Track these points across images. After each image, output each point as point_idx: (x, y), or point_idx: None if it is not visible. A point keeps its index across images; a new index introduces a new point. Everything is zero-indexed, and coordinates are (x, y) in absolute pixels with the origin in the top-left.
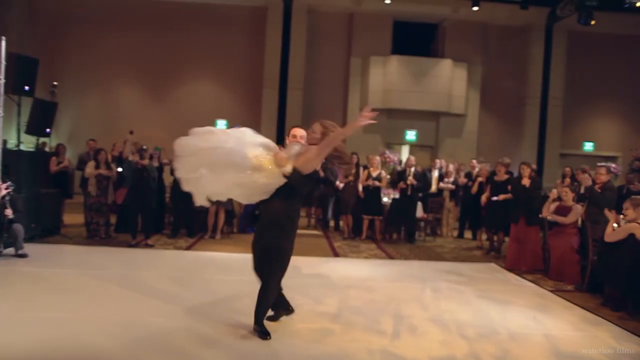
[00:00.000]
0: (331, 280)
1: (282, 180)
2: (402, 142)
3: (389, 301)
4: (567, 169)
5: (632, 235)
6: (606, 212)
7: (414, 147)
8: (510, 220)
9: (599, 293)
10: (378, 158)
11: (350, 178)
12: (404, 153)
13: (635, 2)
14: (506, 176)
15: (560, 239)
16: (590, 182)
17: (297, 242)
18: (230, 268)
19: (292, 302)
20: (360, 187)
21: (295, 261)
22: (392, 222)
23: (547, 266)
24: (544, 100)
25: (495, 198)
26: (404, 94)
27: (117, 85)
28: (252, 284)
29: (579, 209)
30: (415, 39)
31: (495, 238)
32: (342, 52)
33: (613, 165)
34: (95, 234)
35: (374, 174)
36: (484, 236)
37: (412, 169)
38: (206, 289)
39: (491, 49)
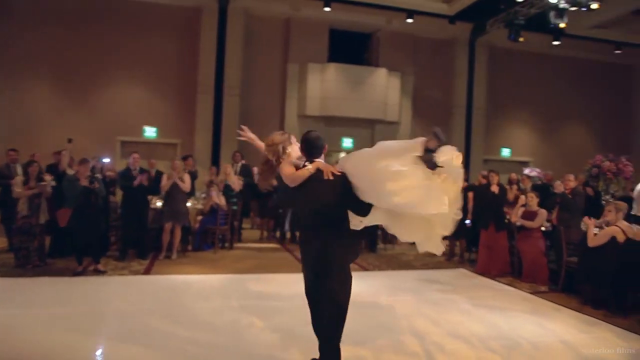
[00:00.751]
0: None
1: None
2: (339, 149)
3: (398, 318)
4: (514, 175)
5: (613, 239)
6: (586, 219)
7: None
8: (474, 227)
9: (573, 293)
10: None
11: None
12: None
13: (559, 24)
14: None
15: (529, 243)
16: (562, 188)
17: (259, 257)
18: (207, 292)
19: (296, 330)
20: None
21: (271, 280)
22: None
23: (516, 269)
24: (469, 109)
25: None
26: (341, 101)
27: (32, 87)
28: (242, 309)
29: (544, 214)
30: (350, 48)
31: (457, 244)
32: (279, 58)
33: (537, 169)
34: (26, 262)
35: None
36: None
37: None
38: (200, 321)
39: (422, 60)
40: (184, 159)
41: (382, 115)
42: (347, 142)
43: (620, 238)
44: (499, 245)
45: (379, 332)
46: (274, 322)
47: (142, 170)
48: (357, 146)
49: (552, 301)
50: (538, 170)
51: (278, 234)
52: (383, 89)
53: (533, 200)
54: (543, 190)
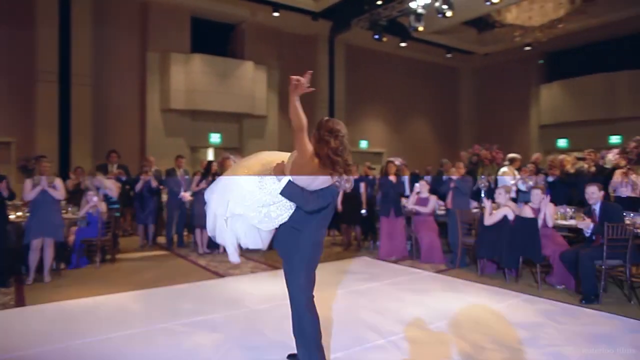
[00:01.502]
0: (278, 305)
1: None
2: (207, 144)
3: (342, 313)
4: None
5: (505, 217)
6: (485, 201)
7: (219, 150)
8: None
9: (467, 268)
10: (232, 161)
11: (203, 185)
12: (209, 156)
13: (417, 27)
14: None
15: (425, 227)
16: (459, 174)
17: (156, 266)
18: (119, 316)
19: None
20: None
21: (191, 291)
22: None
23: (414, 252)
24: (331, 104)
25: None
26: (208, 94)
27: None
28: (183, 330)
29: (434, 199)
30: (214, 38)
31: (353, 233)
32: (137, 45)
33: (400, 159)
34: None
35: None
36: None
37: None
38: (137, 355)
39: (287, 54)
40: (36, 159)
41: (250, 110)
42: (215, 138)
43: (511, 216)
44: (398, 231)
45: (334, 329)
46: (232, 335)
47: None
48: (225, 142)
49: (456, 277)
50: (400, 159)
51: (163, 239)
52: (250, 82)
53: (424, 187)
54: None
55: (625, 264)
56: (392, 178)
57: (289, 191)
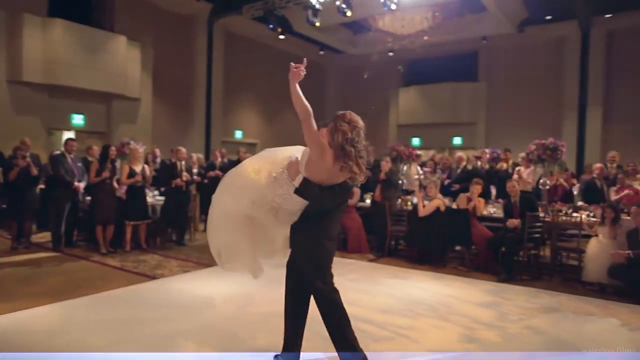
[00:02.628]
0: (235, 304)
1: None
2: (68, 127)
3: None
4: None
5: (437, 209)
6: (417, 193)
7: (82, 134)
8: None
9: (395, 256)
10: (141, 149)
11: (105, 174)
12: None
13: (314, 22)
14: None
15: (351, 218)
16: (387, 169)
17: (50, 273)
18: (58, 339)
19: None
20: (122, 188)
21: (121, 299)
22: (169, 224)
23: (339, 244)
24: (209, 90)
25: None
26: (71, 68)
27: None
28: None
29: (359, 192)
30: (76, 3)
31: None
32: None
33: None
34: None
35: (137, 169)
36: None
37: (184, 162)
38: None
39: (163, 33)
40: None
41: (122, 90)
42: (78, 119)
43: (442, 207)
44: None
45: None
46: (211, 344)
47: None
48: (90, 125)
49: (389, 265)
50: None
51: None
52: (122, 59)
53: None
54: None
55: (537, 247)
56: None
57: (305, 190)
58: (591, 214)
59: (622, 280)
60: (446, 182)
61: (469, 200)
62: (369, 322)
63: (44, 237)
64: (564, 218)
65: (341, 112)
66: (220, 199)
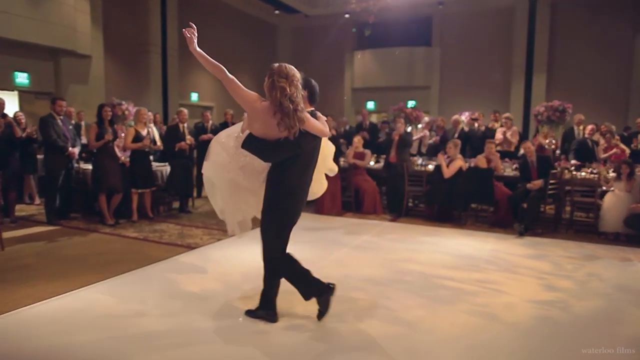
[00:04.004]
0: None
1: None
2: (11, 87)
3: (417, 264)
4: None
5: (460, 168)
6: (440, 156)
7: (28, 94)
8: None
9: (413, 216)
10: (147, 111)
11: (108, 137)
12: (14, 102)
13: None
14: None
15: (365, 181)
16: (402, 130)
17: (71, 247)
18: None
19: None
20: (125, 154)
21: (175, 271)
22: (177, 192)
23: (354, 205)
24: (164, 50)
25: None
26: (14, 18)
27: None
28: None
29: (369, 153)
30: None
31: None
32: None
33: None
34: None
35: (143, 132)
36: None
37: (185, 125)
38: None
39: None
40: None
41: (71, 46)
42: (22, 78)
43: (464, 167)
44: (337, 187)
45: (408, 287)
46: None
47: None
48: (35, 84)
49: (413, 224)
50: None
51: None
52: (71, 10)
53: (360, 142)
54: None
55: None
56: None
57: (248, 144)
58: (594, 171)
59: (638, 229)
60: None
61: (489, 160)
62: (450, 279)
63: (25, 210)
64: (583, 175)
65: (276, 65)
66: (206, 168)
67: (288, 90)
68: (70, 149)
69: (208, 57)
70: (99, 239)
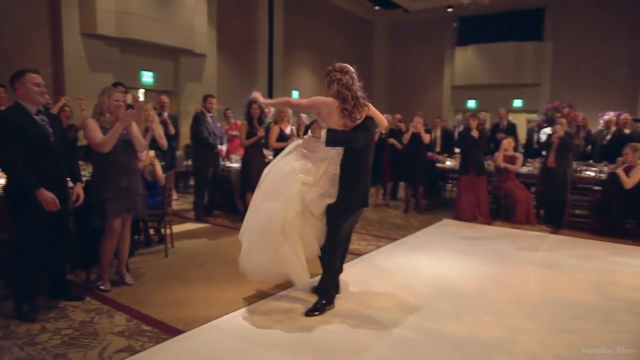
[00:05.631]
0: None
1: None
2: (138, 85)
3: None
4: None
5: None
6: (618, 162)
7: (151, 92)
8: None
9: (573, 228)
10: (289, 110)
11: (261, 133)
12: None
13: None
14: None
15: (518, 187)
16: (562, 131)
17: None
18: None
19: None
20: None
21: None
22: None
23: (502, 213)
24: (270, 47)
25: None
26: (144, 20)
27: None
28: None
29: (521, 157)
30: None
31: (411, 192)
32: None
33: None
34: None
35: (287, 131)
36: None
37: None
38: None
39: None
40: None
41: (190, 45)
42: (147, 77)
43: None
44: (481, 190)
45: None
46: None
47: None
48: (159, 83)
49: (581, 237)
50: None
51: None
52: (190, 11)
53: (511, 144)
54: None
55: None
56: (474, 133)
57: (332, 138)
58: None
59: None
60: (588, 148)
61: None
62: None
63: None
64: None
65: (329, 67)
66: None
67: (343, 79)
68: (219, 146)
69: (274, 100)
70: None
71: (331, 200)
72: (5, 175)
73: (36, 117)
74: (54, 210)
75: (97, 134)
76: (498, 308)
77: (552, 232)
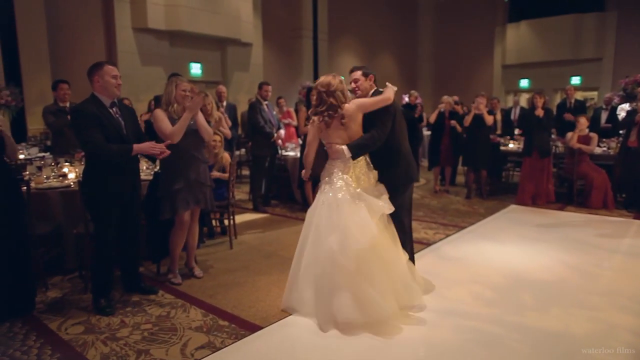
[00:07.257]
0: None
1: None
2: (187, 77)
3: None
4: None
5: None
6: None
7: (200, 84)
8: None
9: None
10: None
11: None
12: None
13: None
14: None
15: (594, 169)
16: None
17: None
18: None
19: None
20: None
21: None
22: None
23: (574, 196)
24: (315, 33)
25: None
26: (192, 12)
27: None
28: None
29: (596, 137)
30: None
31: (473, 177)
32: None
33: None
34: None
35: None
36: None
37: None
38: None
39: None
40: None
41: (237, 35)
42: (196, 69)
43: None
44: (546, 172)
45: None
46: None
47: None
48: (207, 74)
49: None
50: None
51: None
52: (236, 1)
53: (584, 124)
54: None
55: None
56: (539, 112)
57: (356, 149)
58: None
59: None
60: None
61: None
62: None
63: None
64: None
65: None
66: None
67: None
68: (275, 135)
69: (375, 99)
70: None
71: (382, 187)
72: (86, 164)
73: (111, 110)
74: (158, 156)
75: (166, 125)
76: (588, 300)
77: (634, 218)
